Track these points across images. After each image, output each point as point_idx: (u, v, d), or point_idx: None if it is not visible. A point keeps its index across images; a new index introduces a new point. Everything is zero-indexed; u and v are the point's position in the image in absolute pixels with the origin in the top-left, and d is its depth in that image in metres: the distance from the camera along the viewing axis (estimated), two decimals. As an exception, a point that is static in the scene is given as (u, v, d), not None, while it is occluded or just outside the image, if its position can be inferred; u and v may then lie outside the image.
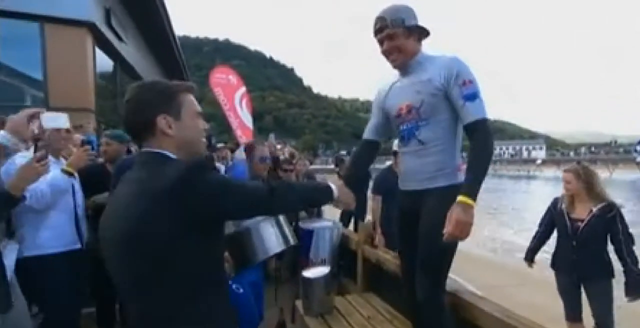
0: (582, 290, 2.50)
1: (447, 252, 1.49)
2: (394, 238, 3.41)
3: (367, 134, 1.79)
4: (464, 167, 1.50)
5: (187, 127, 0.91)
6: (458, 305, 1.62)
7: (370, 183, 5.53)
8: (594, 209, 2.44)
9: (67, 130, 2.07)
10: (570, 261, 2.49)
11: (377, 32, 1.55)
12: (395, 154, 3.55)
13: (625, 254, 2.33)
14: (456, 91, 1.44)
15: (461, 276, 4.08)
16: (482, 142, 1.40)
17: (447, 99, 1.47)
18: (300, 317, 2.26)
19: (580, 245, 2.46)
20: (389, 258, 2.32)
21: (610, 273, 2.40)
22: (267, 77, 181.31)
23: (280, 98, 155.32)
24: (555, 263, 2.64)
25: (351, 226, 4.91)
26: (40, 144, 1.90)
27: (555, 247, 2.65)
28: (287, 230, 1.79)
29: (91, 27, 5.67)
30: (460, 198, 1.33)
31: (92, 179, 2.33)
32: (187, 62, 12.03)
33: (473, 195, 1.33)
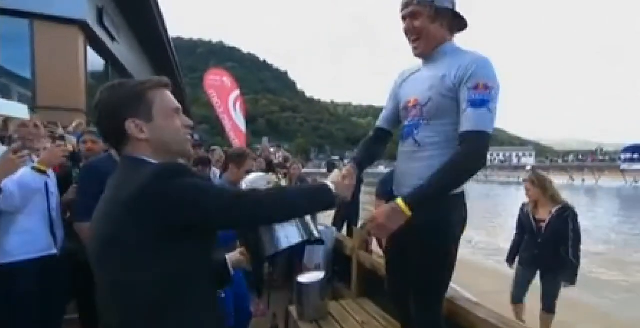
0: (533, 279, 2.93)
1: (444, 282, 1.40)
2: None
3: (380, 121, 1.66)
4: None
5: (161, 127, 0.85)
6: (454, 312, 1.60)
7: (363, 188, 5.54)
8: (553, 211, 2.83)
9: (35, 125, 1.93)
10: (533, 255, 2.88)
11: (403, 8, 1.36)
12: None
13: (569, 248, 2.75)
14: (464, 93, 1.27)
15: (456, 282, 4.07)
16: (464, 155, 1.23)
17: (457, 103, 1.30)
18: (294, 323, 2.22)
19: (543, 242, 2.84)
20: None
21: (564, 267, 2.77)
22: (260, 80, 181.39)
23: (274, 101, 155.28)
24: (521, 258, 3.00)
25: (344, 230, 4.86)
26: (15, 137, 1.76)
27: (523, 244, 3.02)
28: (311, 223, 1.63)
29: (83, 25, 5.59)
30: (398, 200, 1.22)
31: (71, 179, 2.15)
32: (180, 63, 11.97)
33: (412, 204, 1.21)
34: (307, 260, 2.88)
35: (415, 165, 1.44)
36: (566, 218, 2.79)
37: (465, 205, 1.45)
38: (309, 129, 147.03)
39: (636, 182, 36.46)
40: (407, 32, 1.38)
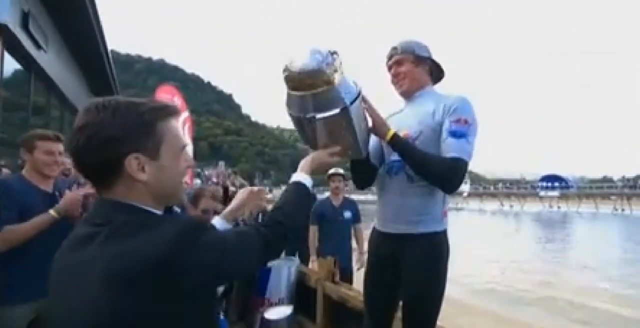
0: None
1: (435, 316, 1.43)
2: (349, 273, 3.36)
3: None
4: (447, 213, 1.50)
5: (166, 169, 0.69)
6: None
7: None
8: None
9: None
10: None
11: (388, 59, 1.57)
12: (330, 177, 3.62)
13: None
14: (446, 125, 1.39)
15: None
16: (447, 165, 1.33)
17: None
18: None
19: None
20: (354, 295, 2.22)
21: None
22: (204, 101, 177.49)
23: (217, 124, 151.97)
24: None
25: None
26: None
27: None
28: None
29: (2, 28, 4.85)
30: (392, 130, 1.38)
31: None
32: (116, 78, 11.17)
33: (396, 139, 1.38)
34: (271, 293, 2.70)
35: (410, 200, 1.47)
36: None
37: (448, 242, 1.51)
38: (253, 153, 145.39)
39: (551, 207, 41.85)
40: (395, 76, 1.55)
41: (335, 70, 1.10)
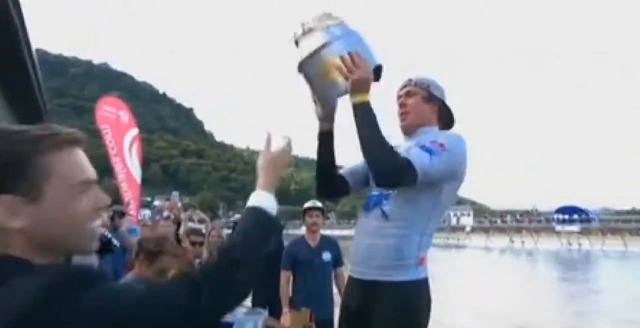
0: None
1: None
2: (328, 326, 3.33)
3: (342, 170, 1.80)
4: (426, 261, 1.55)
5: (54, 211, 0.64)
6: None
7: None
8: None
9: None
10: None
11: (401, 88, 1.71)
12: (306, 211, 3.66)
13: None
14: (422, 141, 1.53)
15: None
16: (383, 160, 1.45)
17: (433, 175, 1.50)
18: None
19: None
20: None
21: None
22: (157, 116, 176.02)
23: (173, 144, 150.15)
24: None
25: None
26: None
27: None
28: None
29: None
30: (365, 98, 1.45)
31: None
32: (43, 84, 10.92)
33: (359, 98, 1.47)
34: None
35: (382, 242, 1.52)
36: None
37: (430, 291, 1.56)
38: (217, 179, 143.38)
39: (570, 244, 42.26)
40: (401, 106, 1.68)
41: (330, 20, 1.45)
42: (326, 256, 3.54)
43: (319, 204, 3.70)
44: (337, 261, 3.63)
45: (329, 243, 3.64)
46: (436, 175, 1.46)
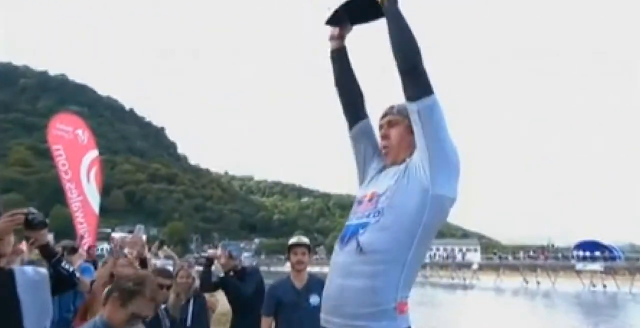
0: None
1: None
2: None
3: None
4: (407, 308, 1.49)
5: None
6: None
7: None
8: None
9: None
10: None
11: (382, 117, 1.78)
12: (290, 248, 3.63)
13: None
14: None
15: None
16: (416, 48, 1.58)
17: (419, 195, 1.51)
18: None
19: None
20: None
21: None
22: (122, 135, 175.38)
23: (140, 167, 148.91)
24: None
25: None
26: None
27: None
28: None
29: None
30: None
31: None
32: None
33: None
34: None
35: (354, 282, 1.48)
36: None
37: None
38: (190, 208, 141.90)
39: (594, 285, 42.16)
40: (383, 138, 1.76)
41: None
42: (314, 299, 3.47)
43: (305, 240, 3.67)
44: None
45: (318, 284, 3.58)
46: (444, 137, 1.55)
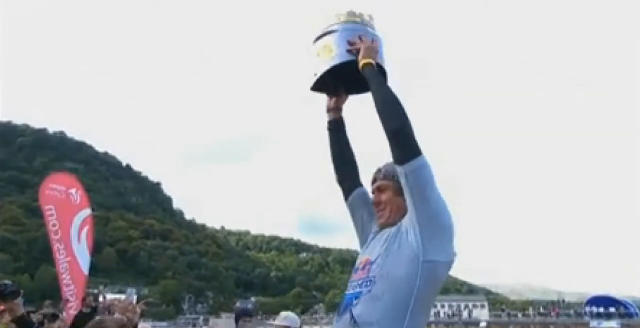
0: None
1: None
2: None
3: None
4: None
5: None
6: None
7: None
8: None
9: None
10: None
11: (372, 183, 1.83)
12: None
13: None
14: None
15: None
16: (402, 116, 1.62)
17: (410, 262, 1.50)
18: None
19: None
20: None
21: None
22: (117, 191, 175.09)
23: (134, 223, 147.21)
24: None
25: None
26: None
27: None
28: None
29: None
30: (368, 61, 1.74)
31: None
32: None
33: (368, 68, 1.74)
34: None
35: None
36: None
37: None
38: (183, 265, 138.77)
39: (610, 346, 40.45)
40: (375, 204, 1.79)
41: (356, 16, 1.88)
42: None
43: (290, 321, 3.48)
44: None
45: None
46: (432, 198, 1.55)
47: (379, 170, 1.80)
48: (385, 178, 1.75)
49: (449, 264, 1.57)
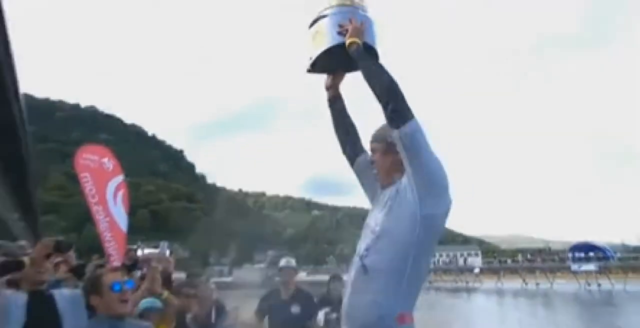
0: None
1: None
2: None
3: None
4: (410, 319, 1.51)
5: None
6: None
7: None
8: None
9: None
10: None
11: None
12: (280, 269, 4.04)
13: None
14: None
15: None
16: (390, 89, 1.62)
17: (409, 217, 1.55)
18: None
19: None
20: None
21: None
22: (146, 160, 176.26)
23: (163, 188, 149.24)
24: None
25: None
26: None
27: None
28: None
29: None
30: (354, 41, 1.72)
31: None
32: (27, 128, 11.05)
33: (355, 49, 1.72)
34: None
35: (359, 299, 1.55)
36: None
37: None
38: (208, 224, 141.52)
39: (589, 284, 41.40)
40: (372, 164, 1.83)
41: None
42: (295, 309, 3.81)
43: (293, 264, 4.13)
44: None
45: (301, 295, 3.95)
46: (426, 158, 1.57)
47: (372, 135, 1.83)
48: (375, 140, 1.78)
49: (445, 213, 1.61)
